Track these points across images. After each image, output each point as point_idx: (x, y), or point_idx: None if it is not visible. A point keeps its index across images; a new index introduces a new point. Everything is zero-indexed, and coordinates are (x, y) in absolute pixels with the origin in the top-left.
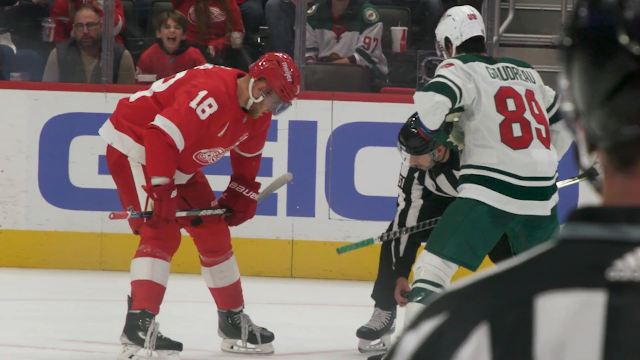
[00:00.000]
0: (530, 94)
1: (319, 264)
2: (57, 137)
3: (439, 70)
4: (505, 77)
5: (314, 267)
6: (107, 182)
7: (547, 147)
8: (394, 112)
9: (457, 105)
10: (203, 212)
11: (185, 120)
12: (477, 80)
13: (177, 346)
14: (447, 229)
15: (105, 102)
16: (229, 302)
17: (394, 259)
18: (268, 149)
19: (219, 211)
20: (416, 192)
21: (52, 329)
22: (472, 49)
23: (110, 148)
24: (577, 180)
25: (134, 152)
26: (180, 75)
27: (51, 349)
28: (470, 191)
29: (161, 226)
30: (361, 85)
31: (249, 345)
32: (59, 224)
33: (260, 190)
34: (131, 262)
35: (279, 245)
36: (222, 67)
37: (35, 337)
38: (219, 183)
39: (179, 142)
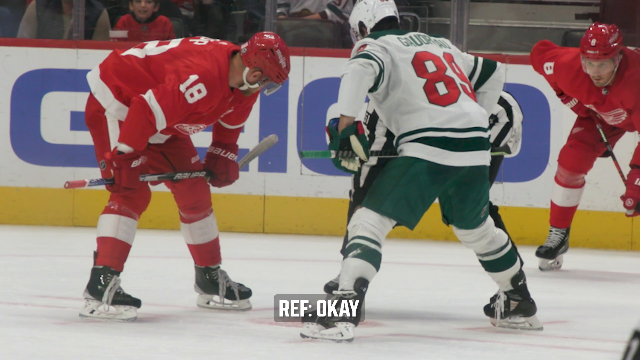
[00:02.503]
0: (448, 56)
1: (291, 219)
2: (28, 93)
3: (355, 54)
4: (419, 43)
5: (286, 222)
6: (79, 138)
7: (475, 101)
8: None
9: (381, 80)
10: (178, 176)
11: (171, 103)
12: (391, 52)
13: (135, 302)
14: (385, 185)
15: (77, 58)
16: (207, 258)
17: (352, 190)
18: None
19: (197, 174)
20: (380, 129)
21: (23, 285)
22: (386, 29)
23: (91, 99)
24: (494, 154)
25: (112, 108)
26: (174, 44)
27: (23, 305)
28: (409, 150)
29: (123, 193)
30: (332, 41)
31: (226, 301)
32: (31, 180)
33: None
34: (99, 218)
35: (250, 200)
36: (217, 42)
37: (6, 293)
38: (202, 139)
39: (160, 124)
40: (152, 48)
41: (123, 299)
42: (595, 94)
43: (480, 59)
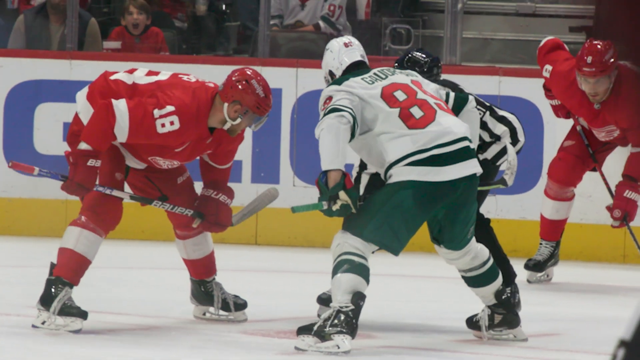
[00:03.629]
0: (416, 83)
1: (284, 231)
2: (21, 103)
3: (321, 107)
4: (384, 77)
5: (279, 234)
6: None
7: (452, 114)
8: None
9: (356, 126)
10: (156, 204)
11: (139, 121)
12: (357, 92)
13: (82, 314)
14: (369, 210)
15: (70, 69)
16: (201, 272)
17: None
18: None
19: (182, 210)
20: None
21: (16, 295)
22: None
23: (76, 118)
24: (491, 187)
25: None
26: (163, 76)
27: (15, 316)
28: (399, 175)
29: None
30: None
31: (222, 312)
32: (24, 191)
33: (242, 209)
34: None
35: None
36: (205, 82)
37: None
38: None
39: (120, 134)
40: (140, 76)
41: (70, 311)
42: (586, 107)
43: (452, 94)
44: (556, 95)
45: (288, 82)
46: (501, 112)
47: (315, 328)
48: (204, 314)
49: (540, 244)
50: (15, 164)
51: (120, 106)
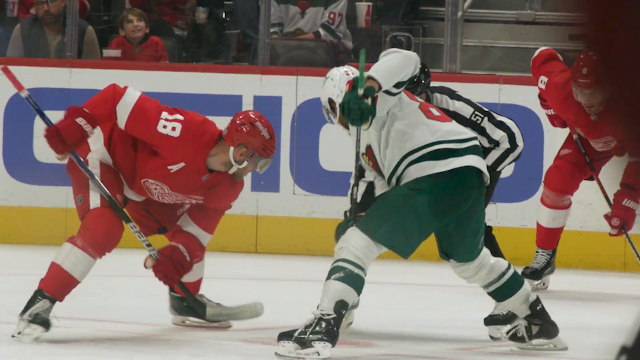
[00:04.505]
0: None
1: (284, 239)
2: (21, 112)
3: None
4: None
5: (279, 242)
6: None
7: None
8: None
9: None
10: (131, 226)
11: (145, 109)
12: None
13: (45, 324)
14: (384, 211)
15: (69, 77)
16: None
17: (351, 205)
18: None
19: (146, 243)
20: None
21: (15, 303)
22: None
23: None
24: None
25: (98, 153)
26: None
27: (15, 324)
28: (418, 172)
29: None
30: (326, 60)
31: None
32: (24, 199)
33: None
34: (61, 247)
35: (243, 220)
36: (214, 123)
37: None
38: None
39: (122, 113)
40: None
41: (37, 319)
42: (583, 119)
43: None
44: (552, 107)
45: (288, 90)
46: (499, 118)
47: (295, 334)
48: (184, 322)
49: (537, 252)
50: (6, 70)
51: (132, 90)
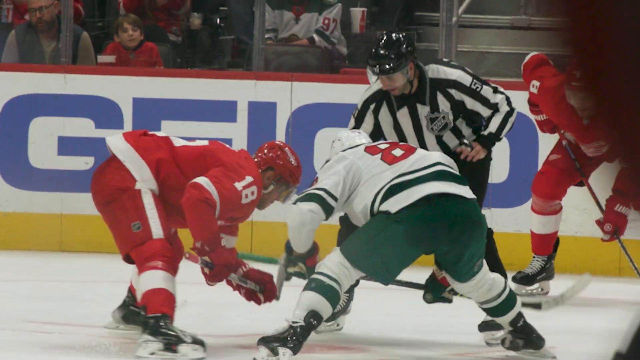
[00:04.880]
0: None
1: (279, 244)
2: (16, 118)
3: (312, 184)
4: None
5: (274, 248)
6: (67, 164)
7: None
8: (353, 93)
9: (332, 207)
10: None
11: (228, 199)
12: (352, 162)
13: (199, 342)
14: (362, 237)
15: (64, 83)
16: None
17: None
18: (228, 130)
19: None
20: (367, 125)
21: (10, 309)
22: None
23: (111, 172)
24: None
25: (149, 184)
26: (201, 142)
27: (10, 330)
28: (391, 205)
29: (168, 255)
30: (320, 66)
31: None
32: (19, 205)
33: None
34: (140, 276)
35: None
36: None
37: None
38: None
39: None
40: (177, 140)
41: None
42: (575, 123)
43: None
44: (545, 112)
45: (283, 95)
46: (492, 84)
47: (267, 340)
48: (117, 327)
49: (534, 257)
50: (191, 256)
51: (210, 188)
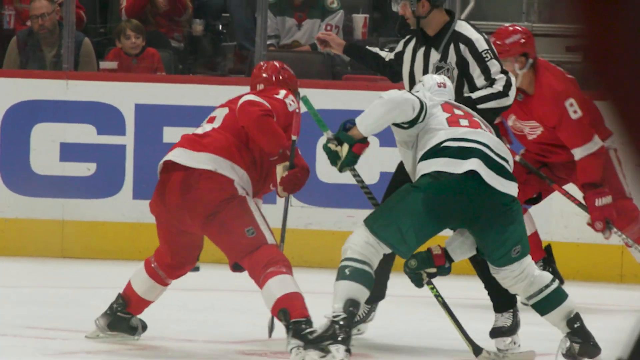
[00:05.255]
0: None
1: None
2: (18, 124)
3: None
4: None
5: None
6: (68, 170)
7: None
8: (356, 100)
9: (420, 119)
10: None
11: (278, 108)
12: (428, 103)
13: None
14: (384, 206)
15: (66, 89)
16: (143, 309)
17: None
18: None
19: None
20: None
21: (12, 316)
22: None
23: (205, 186)
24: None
25: (245, 180)
26: (220, 112)
27: (12, 336)
28: (422, 169)
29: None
30: (322, 72)
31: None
32: (20, 211)
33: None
34: (268, 282)
35: None
36: None
37: None
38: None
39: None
40: (218, 116)
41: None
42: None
43: None
44: None
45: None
46: (504, 69)
47: (312, 341)
48: (98, 335)
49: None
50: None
51: (263, 102)
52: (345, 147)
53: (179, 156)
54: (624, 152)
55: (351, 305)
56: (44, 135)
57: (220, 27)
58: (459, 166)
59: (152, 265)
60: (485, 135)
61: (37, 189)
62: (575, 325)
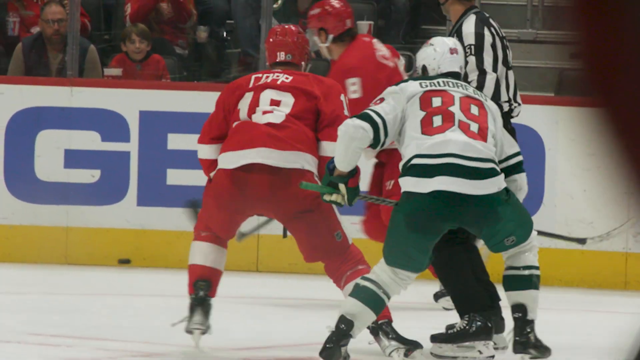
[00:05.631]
0: (467, 99)
1: (284, 258)
2: (22, 131)
3: (371, 104)
4: (441, 85)
5: (279, 261)
6: (72, 177)
7: (479, 140)
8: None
9: (382, 138)
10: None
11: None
12: (408, 92)
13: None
14: (387, 236)
15: (70, 96)
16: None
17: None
18: None
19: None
20: None
21: (16, 322)
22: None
23: (286, 190)
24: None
25: (313, 165)
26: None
27: (16, 342)
28: (402, 187)
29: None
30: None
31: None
32: (25, 218)
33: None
34: (355, 283)
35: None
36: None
37: None
38: None
39: None
40: (279, 105)
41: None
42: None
43: (519, 158)
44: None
45: None
46: (486, 69)
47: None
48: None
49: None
50: None
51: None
52: (342, 187)
53: (269, 158)
54: (611, 162)
55: (344, 322)
56: (49, 141)
57: (225, 34)
58: (426, 185)
59: (202, 233)
60: (452, 140)
61: (41, 195)
62: (527, 318)
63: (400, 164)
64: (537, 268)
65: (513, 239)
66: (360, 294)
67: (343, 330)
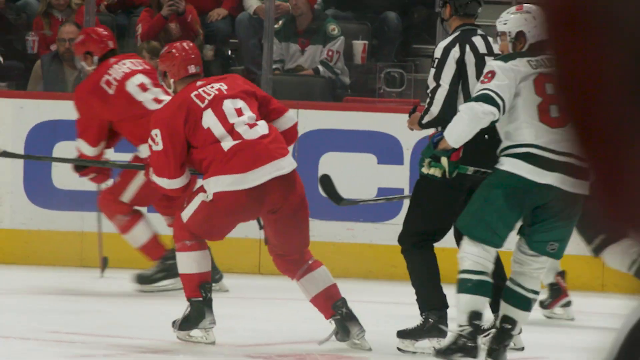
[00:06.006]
0: None
1: None
2: (41, 142)
3: (484, 80)
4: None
5: None
6: (87, 184)
7: None
8: (356, 120)
9: (499, 119)
10: None
11: None
12: (516, 79)
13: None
14: (471, 207)
15: None
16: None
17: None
18: None
19: None
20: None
21: (33, 320)
22: (536, 52)
23: (300, 183)
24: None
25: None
26: (232, 96)
27: (33, 339)
28: (505, 164)
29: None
30: (324, 95)
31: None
32: (42, 223)
33: None
34: (320, 269)
35: (247, 243)
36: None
37: (18, 329)
38: None
39: None
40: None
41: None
42: None
43: None
44: None
45: None
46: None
47: (444, 352)
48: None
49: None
50: None
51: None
52: (445, 160)
53: (281, 168)
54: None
55: (474, 317)
56: (66, 152)
57: (229, 52)
58: (543, 177)
59: (188, 243)
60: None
61: (58, 202)
62: (512, 333)
63: (506, 142)
64: (538, 294)
65: (555, 247)
66: (472, 287)
67: (477, 325)
